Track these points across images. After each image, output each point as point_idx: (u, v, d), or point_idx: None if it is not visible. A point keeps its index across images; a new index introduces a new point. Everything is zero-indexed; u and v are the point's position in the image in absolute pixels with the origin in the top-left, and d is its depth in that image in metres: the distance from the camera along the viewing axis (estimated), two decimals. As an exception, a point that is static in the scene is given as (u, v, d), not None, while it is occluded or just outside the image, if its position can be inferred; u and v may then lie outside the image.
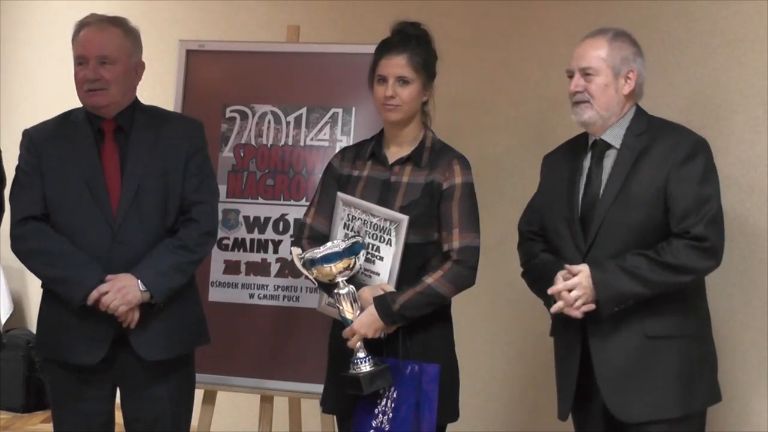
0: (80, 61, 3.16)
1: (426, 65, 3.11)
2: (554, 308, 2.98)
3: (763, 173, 3.43)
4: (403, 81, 3.07)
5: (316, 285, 3.12)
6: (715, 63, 3.56)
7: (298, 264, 3.04)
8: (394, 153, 3.15)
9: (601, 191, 2.99)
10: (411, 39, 3.11)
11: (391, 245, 3.03)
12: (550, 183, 3.17)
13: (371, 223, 3.06)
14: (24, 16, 6.45)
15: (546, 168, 3.24)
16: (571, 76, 3.06)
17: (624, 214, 2.94)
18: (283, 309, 3.74)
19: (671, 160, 2.94)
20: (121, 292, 3.04)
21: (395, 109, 3.09)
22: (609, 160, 3.02)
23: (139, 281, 3.07)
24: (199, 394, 3.60)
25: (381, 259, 3.05)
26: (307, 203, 3.34)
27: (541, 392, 3.98)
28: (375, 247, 3.05)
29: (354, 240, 3.04)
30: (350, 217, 3.10)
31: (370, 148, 3.18)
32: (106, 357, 3.12)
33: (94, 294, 3.04)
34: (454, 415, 3.13)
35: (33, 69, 6.38)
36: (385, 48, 3.11)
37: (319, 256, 3.00)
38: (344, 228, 3.10)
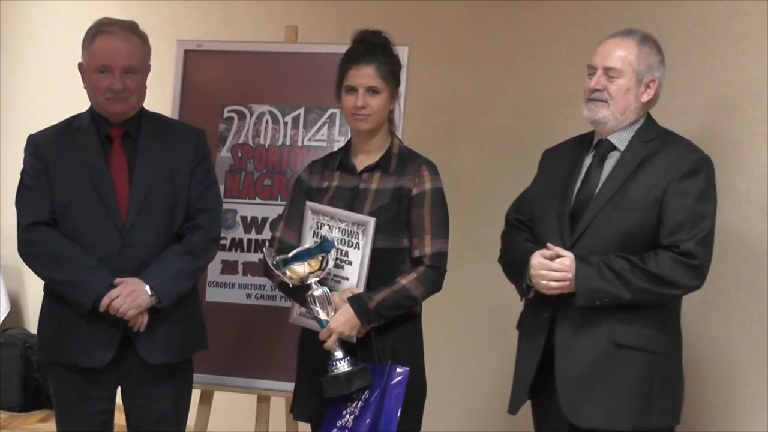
0: (103, 69, 3.16)
1: (393, 74, 3.12)
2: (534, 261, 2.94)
3: (761, 175, 3.43)
4: (372, 91, 3.08)
5: (287, 288, 3.10)
6: (714, 64, 3.56)
7: (270, 263, 3.04)
8: (362, 161, 3.16)
9: (597, 191, 2.98)
10: (377, 48, 3.11)
11: (359, 249, 3.04)
12: (547, 176, 3.15)
13: (340, 228, 3.07)
14: (23, 15, 6.44)
15: (545, 161, 3.22)
16: (591, 72, 3.03)
17: (615, 216, 2.93)
18: (280, 309, 3.73)
19: (673, 172, 2.91)
20: (131, 296, 3.07)
21: (366, 119, 3.09)
22: (610, 162, 3.01)
23: (147, 285, 3.09)
24: (195, 394, 3.61)
25: (350, 263, 3.06)
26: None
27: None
28: (344, 252, 3.06)
29: (323, 238, 3.05)
30: (319, 225, 3.11)
31: (339, 159, 3.19)
32: (112, 359, 3.14)
33: (105, 301, 3.06)
34: (416, 424, 3.12)
35: (31, 69, 6.37)
36: (352, 58, 3.11)
37: (290, 255, 3.01)
38: (314, 237, 3.11)
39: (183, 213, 3.22)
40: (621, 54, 2.98)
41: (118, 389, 3.28)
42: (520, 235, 3.14)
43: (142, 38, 3.23)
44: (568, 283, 2.90)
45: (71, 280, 3.11)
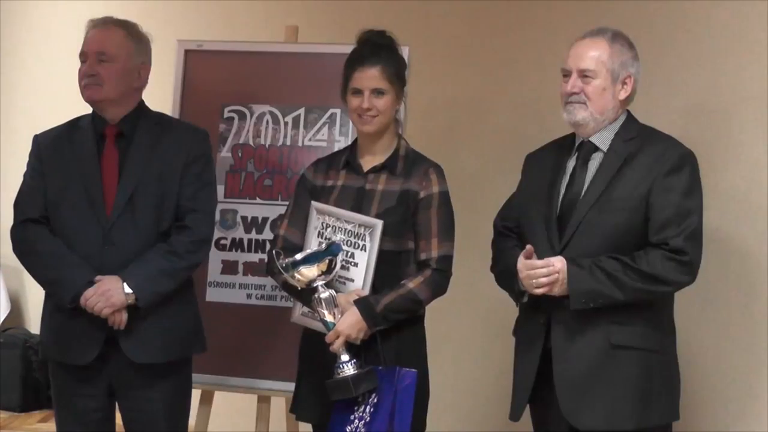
0: (82, 58, 3.20)
1: (398, 75, 3.11)
2: (520, 263, 2.94)
3: (761, 175, 3.43)
4: (378, 92, 3.07)
5: (292, 289, 3.10)
6: (714, 65, 3.56)
7: (279, 265, 3.03)
8: (368, 161, 3.15)
9: (583, 193, 2.97)
10: (382, 49, 3.10)
11: (365, 251, 3.04)
12: (531, 181, 3.15)
13: (345, 230, 3.07)
14: (24, 15, 6.45)
15: (528, 166, 3.22)
16: (566, 75, 3.04)
17: (603, 217, 2.92)
18: (281, 309, 3.73)
19: (657, 169, 2.91)
20: (105, 295, 3.06)
21: (372, 120, 3.08)
22: (594, 163, 3.01)
23: (124, 284, 3.09)
24: (196, 395, 3.60)
25: (355, 265, 3.06)
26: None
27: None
28: (349, 254, 3.06)
29: (330, 241, 3.05)
30: (324, 225, 3.10)
31: (344, 158, 3.18)
32: (100, 356, 3.14)
33: (82, 300, 3.08)
34: (421, 426, 3.12)
35: (32, 69, 6.38)
36: (357, 60, 3.10)
37: (299, 258, 3.01)
38: (318, 237, 3.11)
39: (171, 213, 3.20)
40: (594, 54, 2.99)
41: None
42: (509, 242, 3.14)
43: (129, 32, 3.23)
44: (557, 276, 2.88)
45: (53, 278, 3.14)
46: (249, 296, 3.80)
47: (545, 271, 2.89)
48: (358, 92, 3.08)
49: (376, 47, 3.10)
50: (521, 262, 2.95)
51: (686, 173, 2.92)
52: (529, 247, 2.95)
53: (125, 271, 3.11)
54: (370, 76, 3.07)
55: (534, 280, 2.91)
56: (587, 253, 2.91)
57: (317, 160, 3.31)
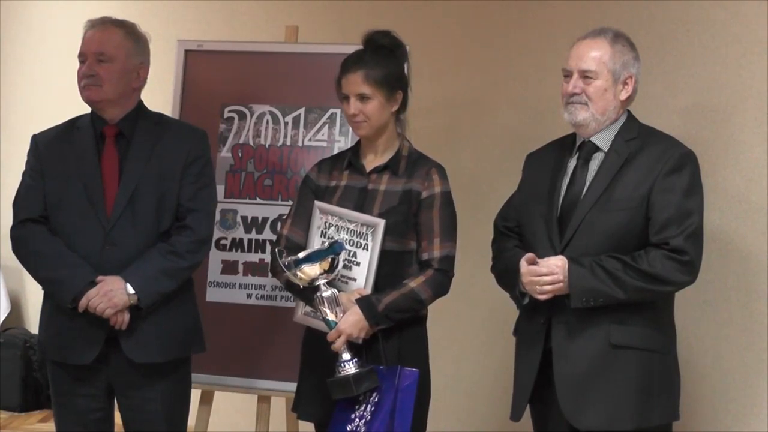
0: (81, 58, 3.21)
1: (387, 78, 3.10)
2: (523, 267, 2.94)
3: (761, 175, 3.43)
4: (363, 97, 3.08)
5: (295, 288, 3.10)
6: (714, 65, 3.56)
7: (281, 263, 3.04)
8: (370, 162, 3.17)
9: (584, 192, 2.98)
10: (366, 53, 3.11)
11: (367, 250, 3.05)
12: (532, 180, 3.16)
13: (348, 229, 3.07)
14: (24, 16, 6.45)
15: (529, 166, 3.23)
16: (567, 75, 3.04)
17: (603, 217, 2.92)
18: (280, 309, 3.73)
19: (658, 169, 2.92)
20: (108, 296, 3.07)
21: (361, 125, 3.10)
22: (595, 163, 3.01)
23: (126, 284, 3.09)
24: (196, 395, 3.60)
25: (358, 264, 3.07)
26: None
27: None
28: (352, 253, 3.07)
29: (333, 240, 3.06)
30: (327, 225, 3.12)
31: (347, 158, 3.20)
32: (100, 356, 3.15)
33: (83, 301, 3.08)
34: (422, 426, 3.13)
35: (31, 69, 6.38)
36: (343, 66, 3.13)
37: (301, 256, 3.02)
38: (321, 236, 3.12)
39: (172, 213, 3.21)
40: (595, 55, 2.99)
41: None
42: (509, 242, 3.14)
43: (128, 32, 3.23)
44: (561, 284, 2.90)
45: (53, 278, 3.15)
46: (249, 296, 3.80)
47: (549, 279, 2.90)
48: (347, 98, 3.11)
49: (362, 52, 3.12)
50: (524, 268, 2.95)
51: (687, 173, 2.92)
52: (530, 254, 2.95)
53: (126, 271, 3.11)
54: (353, 82, 3.09)
55: (538, 287, 2.92)
56: (588, 252, 2.91)
57: (321, 160, 3.32)
